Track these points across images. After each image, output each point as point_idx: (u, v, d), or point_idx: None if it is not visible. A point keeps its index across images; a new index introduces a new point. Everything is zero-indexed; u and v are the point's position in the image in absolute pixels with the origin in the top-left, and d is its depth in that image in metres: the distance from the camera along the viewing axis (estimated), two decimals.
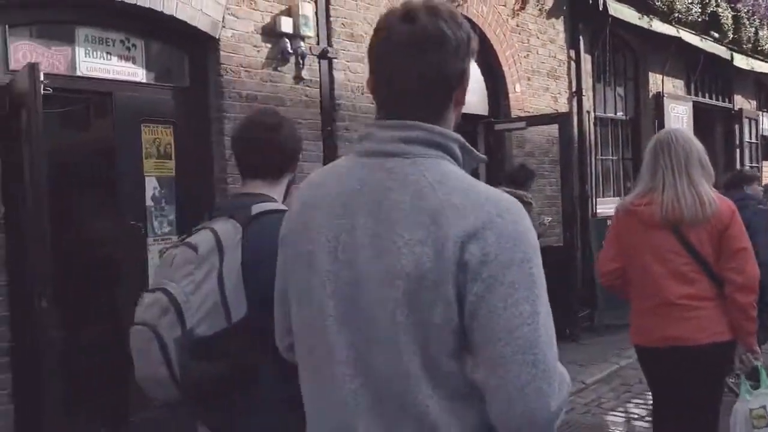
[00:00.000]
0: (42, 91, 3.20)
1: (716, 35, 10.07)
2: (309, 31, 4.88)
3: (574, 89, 7.75)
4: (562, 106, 7.53)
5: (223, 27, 4.41)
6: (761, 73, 11.62)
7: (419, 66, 1.04)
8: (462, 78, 1.09)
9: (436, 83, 1.06)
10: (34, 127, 3.20)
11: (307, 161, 4.94)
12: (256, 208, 1.62)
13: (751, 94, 12.37)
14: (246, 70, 4.57)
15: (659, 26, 8.56)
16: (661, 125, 9.37)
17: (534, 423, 0.96)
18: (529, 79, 7.17)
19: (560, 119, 7.00)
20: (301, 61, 4.89)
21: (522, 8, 7.07)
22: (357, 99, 5.34)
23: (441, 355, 1.00)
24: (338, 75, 5.21)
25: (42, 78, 3.22)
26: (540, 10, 7.32)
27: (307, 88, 4.98)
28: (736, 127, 11.80)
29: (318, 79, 5.06)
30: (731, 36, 10.35)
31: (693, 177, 2.51)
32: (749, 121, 12.07)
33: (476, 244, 0.97)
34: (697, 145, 2.61)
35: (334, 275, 1.06)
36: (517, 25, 7.02)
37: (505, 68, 6.84)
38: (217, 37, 4.37)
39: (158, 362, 1.50)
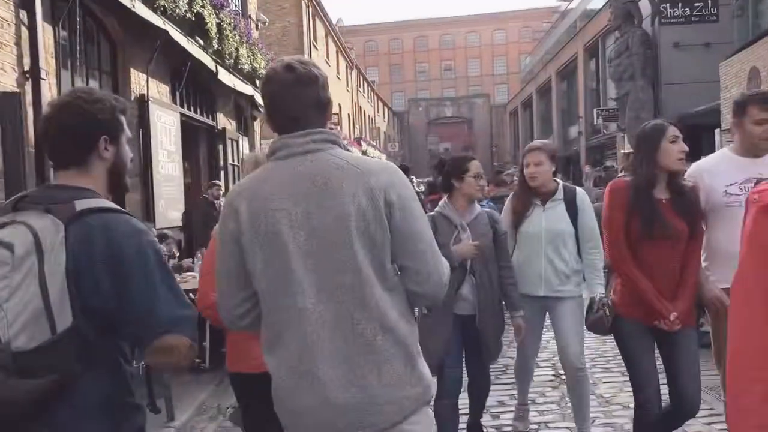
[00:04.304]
0: None
1: (202, 42, 9.08)
2: None
3: (26, 68, 5.32)
4: (8, 87, 5.01)
5: None
6: (240, 94, 11.31)
7: (303, 98, 1.67)
8: (329, 103, 1.72)
9: (317, 107, 1.70)
10: None
11: None
12: (81, 204, 1.39)
13: (231, 114, 12.00)
14: None
15: (144, 11, 6.91)
16: (147, 136, 7.70)
17: (442, 282, 1.70)
18: None
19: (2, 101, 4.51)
20: None
21: None
22: None
23: (383, 260, 1.64)
24: None
25: None
26: None
27: None
28: (220, 147, 11.17)
29: None
30: (216, 46, 9.56)
31: None
32: (232, 142, 11.64)
33: (392, 191, 1.63)
34: None
35: (296, 234, 1.59)
36: None
37: None
38: None
39: None
